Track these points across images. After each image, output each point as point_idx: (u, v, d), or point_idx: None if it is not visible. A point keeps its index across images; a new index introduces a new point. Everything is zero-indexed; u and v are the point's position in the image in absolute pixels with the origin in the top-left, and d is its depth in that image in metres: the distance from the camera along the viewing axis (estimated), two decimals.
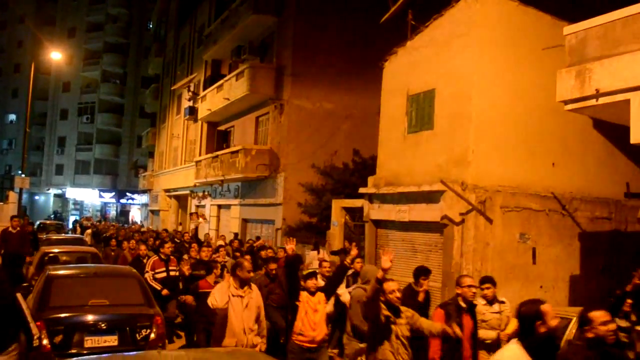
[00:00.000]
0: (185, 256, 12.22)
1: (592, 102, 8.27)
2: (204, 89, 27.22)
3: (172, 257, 10.85)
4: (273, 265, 9.50)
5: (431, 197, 11.63)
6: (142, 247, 12.08)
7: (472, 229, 10.93)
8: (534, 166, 11.79)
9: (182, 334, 11.02)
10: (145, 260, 11.13)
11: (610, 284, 11.74)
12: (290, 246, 7.26)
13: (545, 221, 11.70)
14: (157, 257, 10.65)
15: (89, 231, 25.40)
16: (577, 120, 11.42)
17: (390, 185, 13.00)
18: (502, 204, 11.19)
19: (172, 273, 10.50)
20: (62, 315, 6.93)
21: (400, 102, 13.17)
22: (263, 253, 11.94)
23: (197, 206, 29.62)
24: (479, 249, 10.90)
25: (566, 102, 8.76)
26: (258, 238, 19.22)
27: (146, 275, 10.09)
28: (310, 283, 7.08)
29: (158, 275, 10.36)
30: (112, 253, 14.05)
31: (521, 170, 11.62)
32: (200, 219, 19.61)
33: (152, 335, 7.10)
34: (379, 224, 13.72)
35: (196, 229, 17.89)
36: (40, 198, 61.25)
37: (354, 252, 7.86)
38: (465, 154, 11.24)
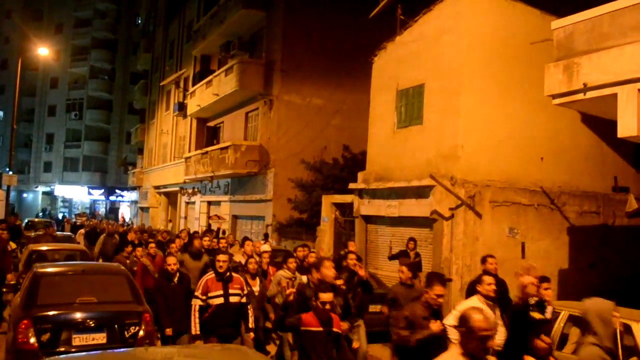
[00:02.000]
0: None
1: (580, 96, 8.30)
2: (193, 84, 27.08)
3: (234, 274, 7.39)
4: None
5: (421, 192, 11.65)
6: (172, 260, 8.17)
7: (461, 223, 10.97)
8: (522, 161, 11.84)
9: None
10: (175, 280, 7.93)
11: (598, 277, 11.85)
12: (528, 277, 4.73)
13: (534, 215, 11.77)
14: (212, 275, 7.12)
15: (82, 231, 21.97)
16: (566, 115, 11.47)
17: (380, 181, 13.01)
18: (491, 198, 11.24)
19: (232, 299, 7.02)
20: (50, 313, 6.82)
21: (390, 97, 13.18)
22: (351, 260, 8.31)
23: (187, 203, 29.51)
24: (468, 244, 10.94)
25: (554, 97, 8.79)
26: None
27: (194, 301, 6.98)
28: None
29: (213, 301, 6.94)
30: (127, 261, 11.17)
31: (510, 164, 11.67)
32: (222, 221, 18.45)
33: (141, 333, 7.02)
34: (369, 219, 13.74)
35: (218, 230, 16.51)
36: (28, 196, 60.69)
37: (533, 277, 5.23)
38: (454, 148, 11.27)
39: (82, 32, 57.61)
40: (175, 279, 7.95)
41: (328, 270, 6.55)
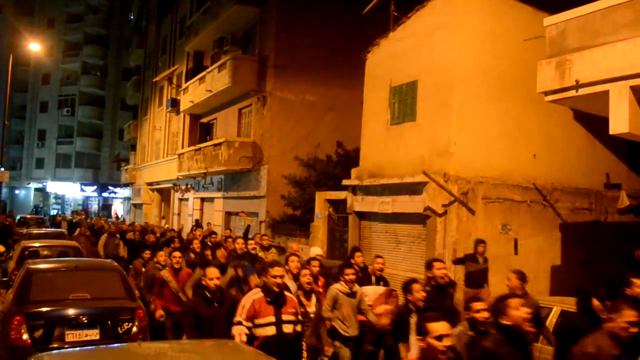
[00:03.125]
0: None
1: (572, 93, 8.34)
2: (186, 80, 26.99)
3: (287, 294, 5.52)
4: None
5: (414, 189, 11.67)
6: (214, 272, 5.81)
7: (454, 220, 11.00)
8: (515, 157, 11.89)
9: None
10: (216, 301, 5.77)
11: (590, 273, 11.92)
12: None
13: (526, 212, 11.82)
14: (260, 294, 5.25)
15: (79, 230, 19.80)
16: (558, 112, 11.52)
17: (374, 177, 13.03)
18: (484, 195, 11.27)
19: (286, 329, 5.23)
20: (43, 309, 6.83)
21: (383, 94, 13.19)
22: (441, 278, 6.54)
23: (180, 199, 29.45)
24: (461, 240, 10.98)
25: (546, 93, 8.83)
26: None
27: (237, 330, 5.10)
28: None
29: (261, 331, 5.14)
30: (143, 269, 9.69)
31: (503, 161, 11.71)
32: (250, 218, 16.81)
33: (134, 329, 7.03)
34: (362, 215, 13.76)
35: (247, 228, 14.97)
36: (20, 192, 60.42)
37: None
38: (447, 145, 11.29)
39: (74, 28, 57.30)
40: (216, 299, 5.76)
41: (519, 312, 4.18)
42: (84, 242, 15.30)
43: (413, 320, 5.44)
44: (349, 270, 6.83)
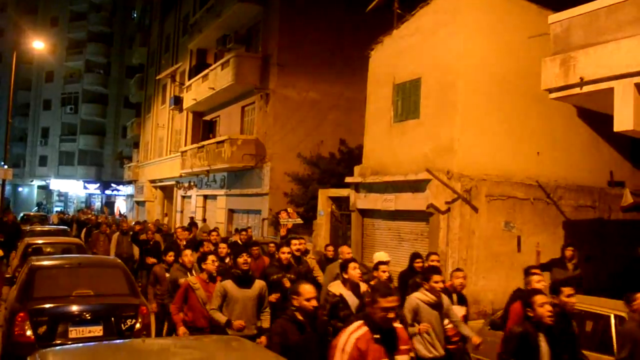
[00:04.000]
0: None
1: (577, 90, 8.32)
2: (190, 78, 27.00)
3: (395, 325, 4.03)
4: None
5: (417, 186, 11.66)
6: (310, 291, 4.50)
7: (457, 217, 11.00)
8: (519, 155, 11.87)
9: None
10: (309, 325, 4.48)
11: (594, 271, 11.89)
12: None
13: (530, 209, 11.81)
14: (364, 329, 3.80)
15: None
16: (562, 109, 11.50)
17: (377, 175, 13.02)
18: (488, 192, 11.26)
19: None
20: (46, 305, 6.85)
21: (387, 91, 13.17)
22: None
23: (183, 197, 29.47)
24: (464, 238, 10.97)
25: (551, 91, 8.80)
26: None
27: None
28: None
29: None
30: (167, 275, 8.14)
31: (506, 158, 11.69)
32: (291, 220, 14.74)
33: (138, 325, 7.04)
34: (365, 213, 13.75)
35: (287, 233, 13.38)
36: (24, 190, 60.62)
37: None
38: (451, 142, 11.28)
39: (78, 26, 57.38)
40: (309, 324, 4.47)
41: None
42: (104, 241, 14.60)
43: (543, 345, 4.43)
44: (437, 277, 5.64)
